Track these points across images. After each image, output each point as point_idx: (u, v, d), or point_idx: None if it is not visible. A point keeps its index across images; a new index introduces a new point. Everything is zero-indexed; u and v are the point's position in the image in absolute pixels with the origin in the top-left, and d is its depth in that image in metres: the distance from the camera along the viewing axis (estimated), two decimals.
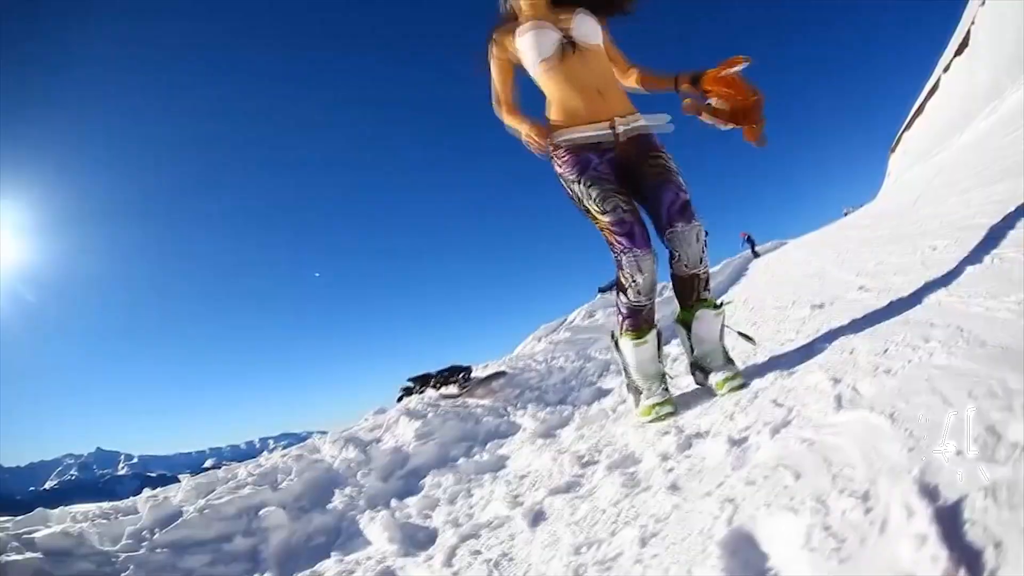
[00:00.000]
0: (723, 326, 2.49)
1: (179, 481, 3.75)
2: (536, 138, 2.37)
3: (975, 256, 2.58)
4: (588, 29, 2.45)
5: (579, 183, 2.35)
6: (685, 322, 2.52)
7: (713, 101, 2.39)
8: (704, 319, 2.44)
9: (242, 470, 3.76)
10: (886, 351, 1.80)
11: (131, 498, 3.69)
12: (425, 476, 3.23)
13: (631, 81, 2.64)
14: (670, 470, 1.79)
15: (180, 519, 2.88)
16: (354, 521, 2.84)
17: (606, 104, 2.41)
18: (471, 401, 4.71)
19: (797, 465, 1.29)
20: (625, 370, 2.62)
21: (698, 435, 1.94)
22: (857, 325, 2.42)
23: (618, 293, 2.45)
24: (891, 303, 2.52)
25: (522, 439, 3.42)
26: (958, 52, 25.40)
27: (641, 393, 2.53)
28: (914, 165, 26.11)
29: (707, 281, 2.45)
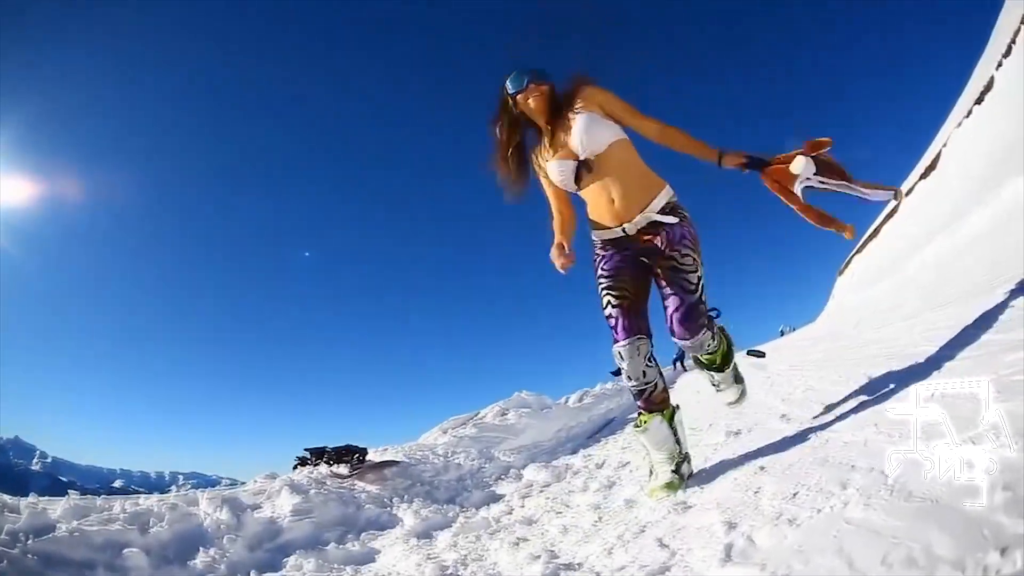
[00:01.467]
0: (736, 368, 3.47)
1: (70, 494, 4.31)
2: (554, 259, 3.00)
3: (912, 389, 2.60)
4: (592, 137, 2.93)
5: (596, 280, 3.03)
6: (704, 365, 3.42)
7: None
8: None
9: (117, 505, 4.11)
10: (795, 495, 1.79)
11: (19, 498, 4.11)
12: (292, 554, 3.43)
13: (652, 134, 3.10)
14: None
15: (53, 533, 3.29)
16: None
17: (620, 208, 2.96)
18: (359, 485, 5.13)
19: None
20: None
21: (569, 567, 2.00)
22: (769, 460, 2.48)
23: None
24: (812, 437, 2.57)
25: (398, 535, 3.67)
26: (924, 175, 27.97)
27: (651, 472, 2.93)
28: (861, 289, 28.12)
29: (736, 375, 3.48)
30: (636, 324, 2.89)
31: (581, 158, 2.96)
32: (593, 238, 3.11)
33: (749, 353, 3.20)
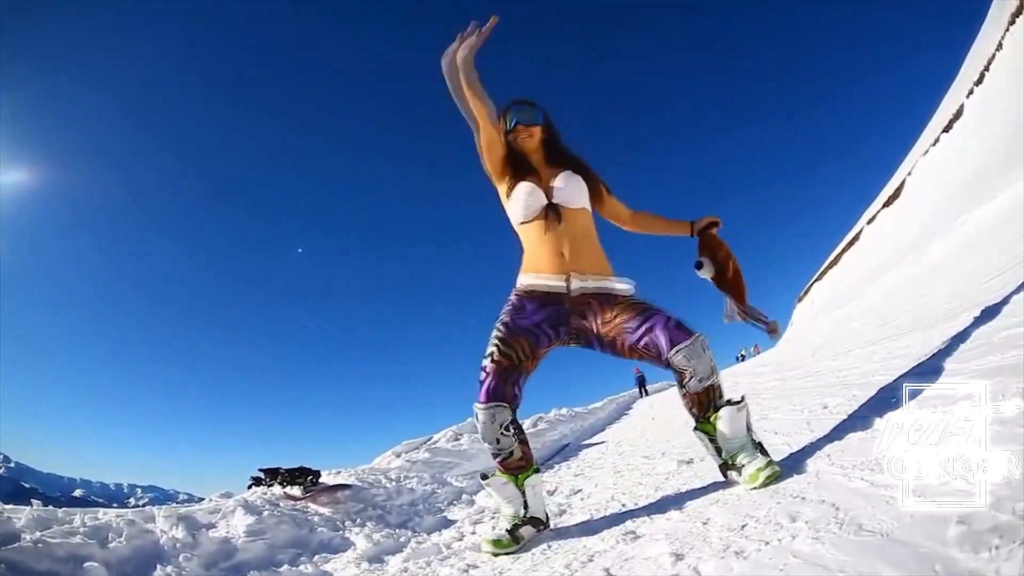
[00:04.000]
0: (748, 417, 2.68)
1: (33, 503, 4.31)
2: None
3: (867, 419, 2.66)
4: (572, 192, 2.99)
5: (496, 324, 2.92)
6: (705, 430, 2.73)
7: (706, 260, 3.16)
8: (727, 417, 2.62)
9: (78, 518, 4.09)
10: (743, 527, 1.78)
11: None
12: (246, 574, 3.53)
13: (636, 228, 3.28)
14: None
15: (18, 543, 3.31)
16: None
17: (571, 264, 2.91)
18: (312, 507, 5.16)
19: None
20: None
21: None
22: (720, 490, 2.49)
23: None
24: None
25: (350, 558, 3.69)
26: (887, 204, 28.68)
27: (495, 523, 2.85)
28: (820, 315, 28.66)
29: (721, 389, 2.72)
30: (503, 391, 2.82)
31: (552, 202, 2.97)
32: (519, 283, 3.00)
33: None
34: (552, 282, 2.90)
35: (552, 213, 2.95)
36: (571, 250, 2.92)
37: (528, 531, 2.85)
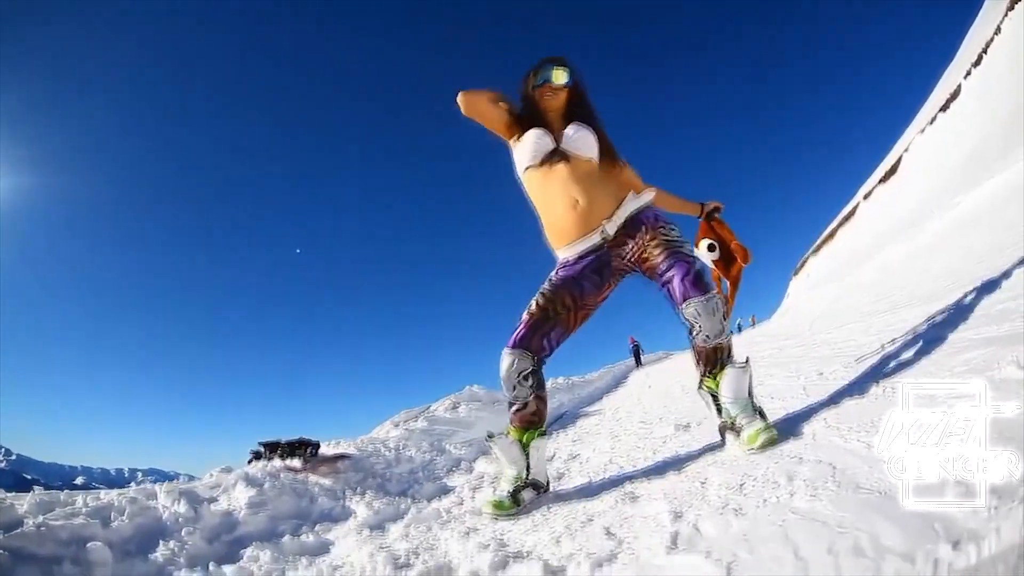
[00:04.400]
0: (751, 381, 2.73)
1: (35, 489, 4.31)
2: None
3: (863, 385, 2.70)
4: (581, 141, 2.96)
5: (544, 281, 2.98)
6: (708, 387, 2.80)
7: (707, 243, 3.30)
8: (730, 377, 2.69)
9: (80, 499, 4.13)
10: (741, 486, 1.81)
11: None
12: (248, 546, 3.51)
13: (648, 199, 3.11)
14: None
15: (21, 528, 3.30)
16: None
17: (588, 213, 2.91)
18: (312, 478, 5.18)
19: None
20: None
21: (518, 555, 2.02)
22: (718, 452, 2.55)
23: None
24: None
25: (351, 527, 3.72)
26: (883, 180, 28.63)
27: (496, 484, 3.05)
28: (816, 288, 28.70)
29: (730, 350, 2.76)
30: (531, 340, 2.88)
31: (560, 147, 2.96)
32: (560, 257, 3.03)
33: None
34: (590, 242, 2.92)
35: (559, 157, 2.94)
36: (582, 192, 2.92)
37: (529, 494, 2.88)
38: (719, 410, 2.74)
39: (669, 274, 2.72)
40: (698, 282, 2.66)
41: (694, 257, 2.79)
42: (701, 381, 2.84)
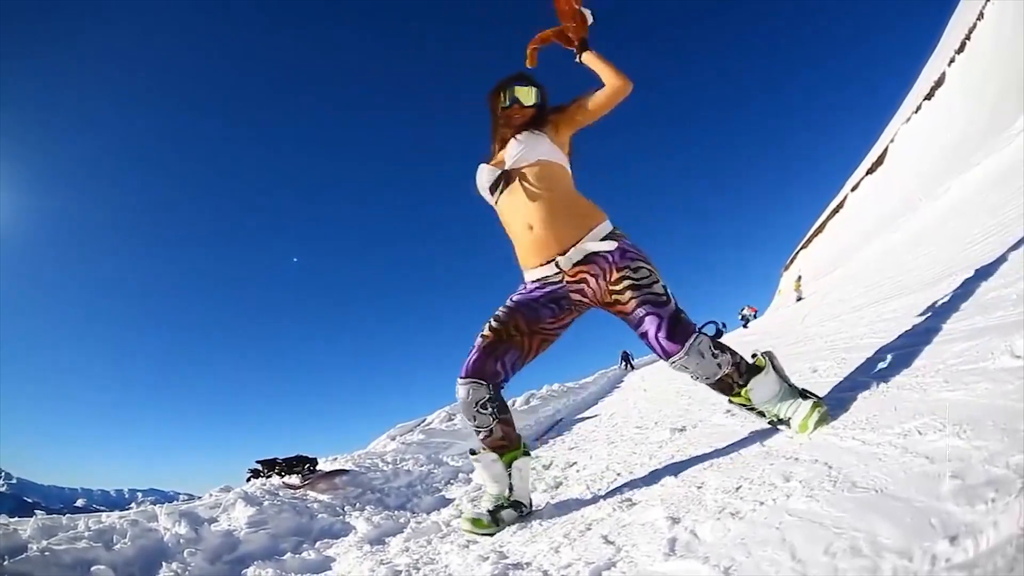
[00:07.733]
0: (779, 370, 2.63)
1: (37, 514, 4.40)
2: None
3: (858, 381, 2.71)
4: (525, 150, 2.90)
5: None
6: (739, 403, 2.69)
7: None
8: (756, 388, 2.58)
9: (82, 523, 4.20)
10: (738, 489, 1.82)
11: None
12: (250, 565, 3.57)
13: (599, 107, 3.00)
14: None
15: (25, 554, 3.34)
16: None
17: (544, 239, 2.84)
18: (311, 494, 5.24)
19: None
20: None
21: (518, 566, 2.03)
22: (714, 455, 2.55)
23: None
24: (755, 432, 2.65)
25: (351, 542, 3.75)
26: (870, 171, 28.79)
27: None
28: (807, 282, 28.84)
29: (739, 366, 2.61)
30: (483, 366, 2.82)
31: (506, 169, 2.95)
32: (525, 277, 2.98)
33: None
34: (543, 272, 2.85)
35: (505, 182, 2.94)
36: (538, 216, 2.85)
37: (509, 514, 2.85)
38: (760, 414, 2.65)
39: (643, 328, 2.63)
40: (673, 334, 2.56)
41: (666, 295, 2.65)
42: (729, 399, 2.75)
